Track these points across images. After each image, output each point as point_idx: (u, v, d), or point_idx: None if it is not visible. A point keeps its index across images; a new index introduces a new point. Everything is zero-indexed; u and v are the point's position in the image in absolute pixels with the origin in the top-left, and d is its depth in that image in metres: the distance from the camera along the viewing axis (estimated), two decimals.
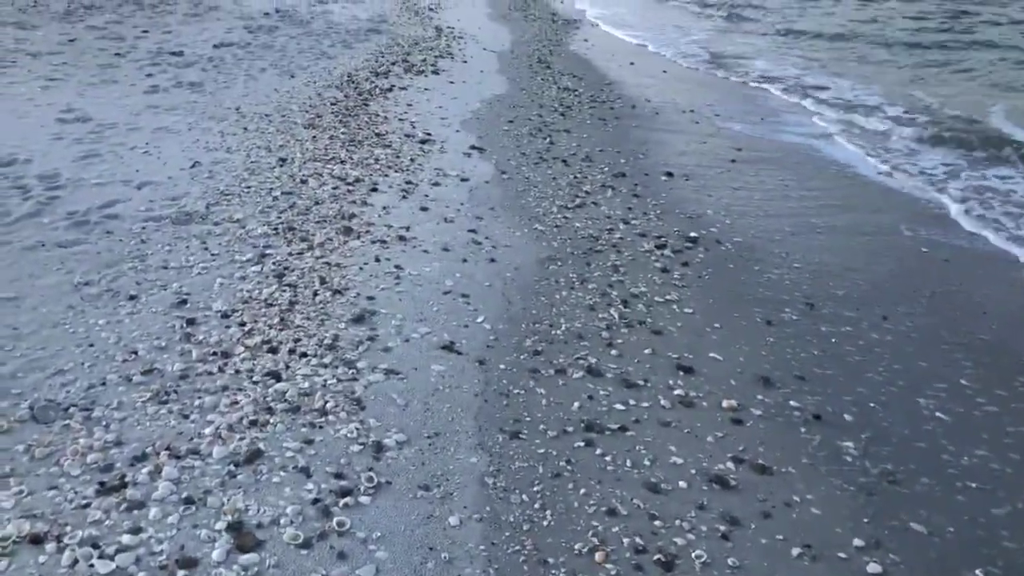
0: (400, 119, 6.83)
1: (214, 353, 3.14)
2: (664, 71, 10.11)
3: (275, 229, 4.36)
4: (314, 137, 6.09)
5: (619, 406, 3.11)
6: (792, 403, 3.25)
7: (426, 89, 7.94)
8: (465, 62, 9.45)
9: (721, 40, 13.05)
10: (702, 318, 3.90)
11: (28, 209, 4.29)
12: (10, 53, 7.60)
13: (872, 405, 3.30)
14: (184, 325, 3.32)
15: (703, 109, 8.20)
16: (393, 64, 8.83)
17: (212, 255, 4.00)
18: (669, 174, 6.07)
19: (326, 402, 2.89)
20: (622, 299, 3.99)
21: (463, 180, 5.50)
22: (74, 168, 4.95)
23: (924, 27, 13.43)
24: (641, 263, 4.44)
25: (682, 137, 7.11)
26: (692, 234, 4.90)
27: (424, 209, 4.89)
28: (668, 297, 4.06)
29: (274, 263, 3.96)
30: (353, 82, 7.88)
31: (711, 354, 3.57)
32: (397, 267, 4.04)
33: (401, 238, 4.40)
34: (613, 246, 4.62)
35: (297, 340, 3.28)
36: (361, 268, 3.99)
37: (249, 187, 4.94)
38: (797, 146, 7.18)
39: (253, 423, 2.74)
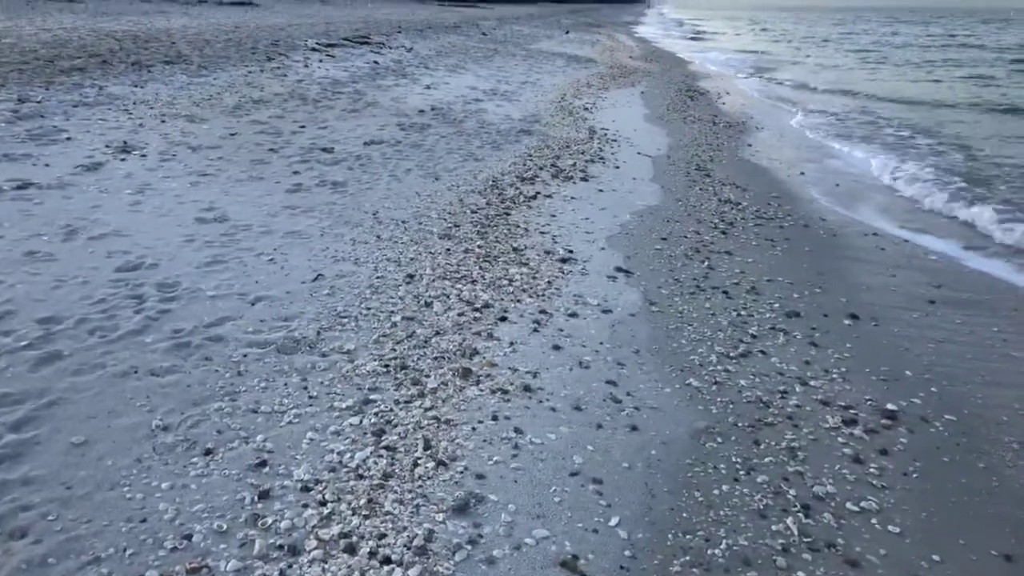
0: (542, 232, 6.28)
1: (280, 547, 2.53)
2: (837, 184, 9.07)
3: (386, 366, 3.82)
4: (448, 250, 5.63)
5: None
6: None
7: (573, 198, 7.40)
8: (617, 167, 8.90)
9: (906, 151, 11.83)
10: (913, 543, 2.90)
11: (135, 324, 4.00)
12: (174, 146, 7.84)
13: None
14: (256, 499, 2.76)
15: (889, 231, 7.12)
16: (541, 168, 8.41)
17: (310, 397, 3.48)
18: (854, 316, 5.08)
19: None
20: (802, 503, 3.06)
21: (605, 312, 4.79)
22: (195, 276, 4.71)
23: None
24: (825, 447, 3.49)
25: (866, 267, 6.08)
26: (889, 406, 3.89)
27: (557, 348, 4.21)
28: (864, 504, 3.09)
29: (376, 413, 3.39)
30: (497, 188, 7.48)
31: None
32: (517, 431, 3.34)
33: (526, 388, 3.72)
34: (788, 417, 3.71)
35: (382, 536, 2.62)
36: (475, 428, 3.33)
37: (369, 308, 4.48)
38: (1014, 285, 5.95)
39: None
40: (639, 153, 9.87)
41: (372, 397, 3.52)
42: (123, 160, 7.14)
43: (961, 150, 11.68)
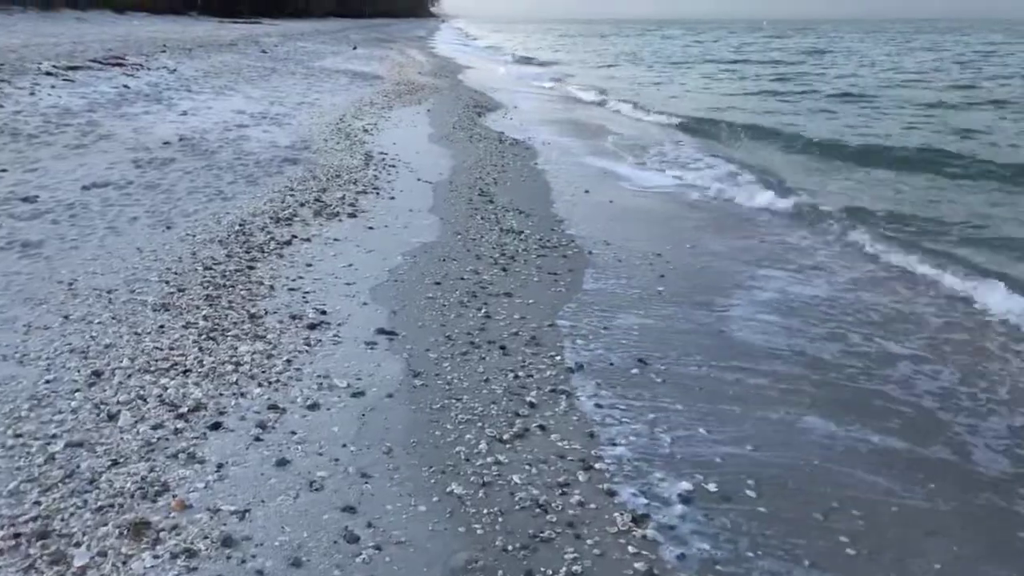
0: (291, 289, 5.26)
1: None
2: (610, 201, 8.73)
3: (16, 536, 2.66)
4: (162, 327, 4.47)
5: None
6: None
7: (336, 240, 6.43)
8: (392, 198, 8.05)
9: (684, 158, 12.03)
10: None
11: None
12: None
13: None
14: None
15: (673, 253, 6.79)
16: (302, 205, 7.36)
17: None
18: (642, 362, 4.55)
19: None
20: None
21: (356, 395, 3.89)
22: None
23: None
24: (614, 564, 2.81)
25: (654, 302, 5.63)
26: (684, 486, 3.32)
27: (283, 464, 3.24)
28: None
29: None
30: (244, 233, 6.35)
31: None
32: None
33: (227, 541, 2.72)
34: (569, 525, 3.00)
35: None
36: None
37: (18, 436, 3.26)
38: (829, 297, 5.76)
39: None
40: (419, 179, 9.09)
41: None
42: None
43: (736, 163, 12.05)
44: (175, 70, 18.41)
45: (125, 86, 14.67)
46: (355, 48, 34.13)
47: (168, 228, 6.33)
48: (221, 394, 3.77)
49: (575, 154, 11.87)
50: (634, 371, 4.44)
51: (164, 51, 22.93)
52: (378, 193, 8.17)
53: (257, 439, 3.40)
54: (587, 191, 9.18)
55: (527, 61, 39.70)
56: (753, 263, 6.63)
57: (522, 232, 7.13)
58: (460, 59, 38.07)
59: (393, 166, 9.65)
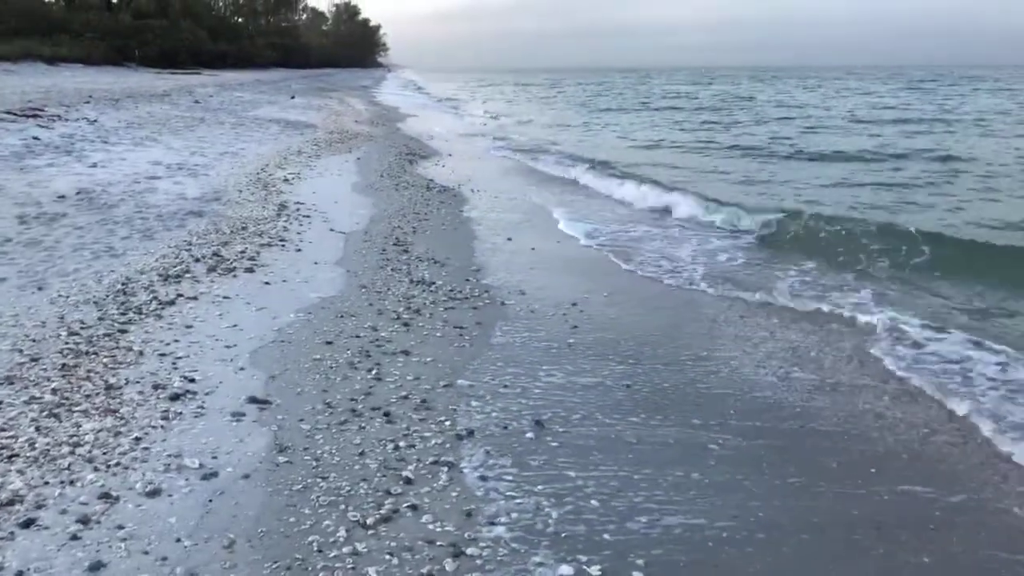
0: (162, 354, 4.81)
1: None
2: (532, 248, 8.47)
3: None
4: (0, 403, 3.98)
5: None
6: None
7: (225, 298, 6.00)
8: (299, 250, 7.66)
9: (614, 212, 11.91)
10: None
11: None
12: None
13: None
14: None
15: (588, 302, 6.52)
16: (197, 260, 6.91)
17: None
18: (538, 423, 4.21)
19: None
20: None
21: (207, 477, 3.45)
22: None
23: None
24: None
25: (563, 357, 5.30)
26: (565, 571, 2.96)
27: (96, 568, 2.78)
28: None
29: None
30: (126, 293, 5.88)
31: None
32: None
33: None
34: None
35: None
36: None
37: None
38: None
39: None
40: (332, 230, 8.73)
41: None
42: None
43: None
44: (95, 121, 17.81)
45: (35, 138, 14.04)
46: (293, 98, 33.84)
47: (40, 289, 5.83)
48: (46, 483, 3.30)
49: (506, 202, 11.65)
50: (529, 435, 4.09)
51: (88, 102, 22.29)
52: (283, 245, 7.77)
53: (74, 537, 2.94)
54: (509, 239, 8.92)
55: (469, 109, 39.89)
56: (668, 311, 6.41)
57: (433, 283, 6.80)
58: (402, 108, 38.02)
59: (308, 216, 9.28)
